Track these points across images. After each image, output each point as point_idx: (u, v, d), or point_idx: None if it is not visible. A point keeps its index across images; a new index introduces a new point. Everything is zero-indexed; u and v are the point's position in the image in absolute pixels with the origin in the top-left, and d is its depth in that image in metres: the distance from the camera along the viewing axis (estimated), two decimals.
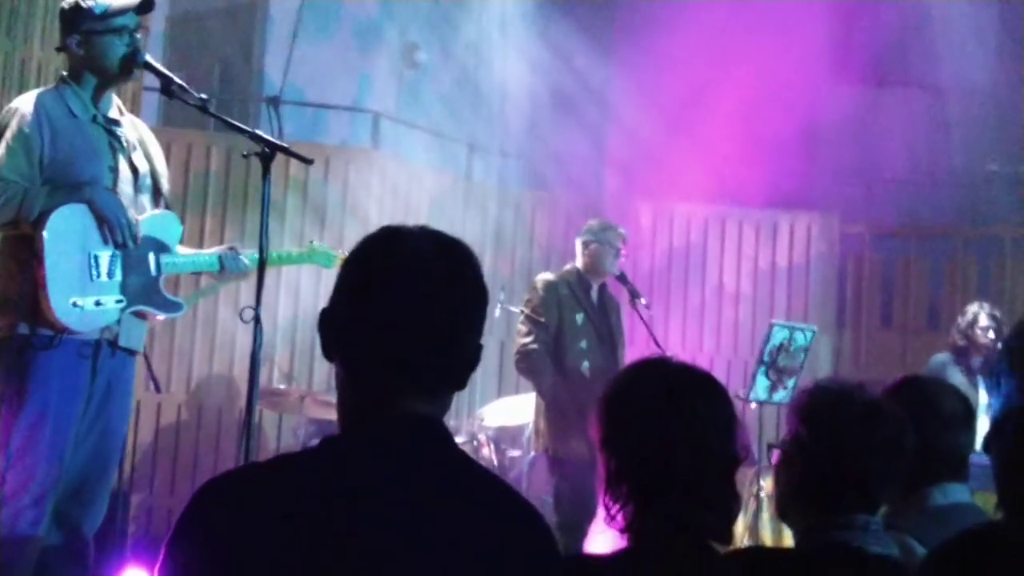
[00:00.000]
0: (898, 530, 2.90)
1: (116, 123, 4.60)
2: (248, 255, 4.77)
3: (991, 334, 7.81)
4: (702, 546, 2.43)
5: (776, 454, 2.84)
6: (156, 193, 4.71)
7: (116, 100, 4.66)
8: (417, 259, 2.02)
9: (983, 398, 7.71)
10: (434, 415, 2.04)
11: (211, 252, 4.88)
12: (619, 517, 2.44)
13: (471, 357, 2.08)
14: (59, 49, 4.64)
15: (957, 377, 7.72)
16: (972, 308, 8.02)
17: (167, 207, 4.77)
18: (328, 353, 2.07)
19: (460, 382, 2.09)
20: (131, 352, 4.58)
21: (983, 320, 7.86)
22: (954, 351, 7.94)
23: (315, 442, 2.09)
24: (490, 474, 2.11)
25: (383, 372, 2.01)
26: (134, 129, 4.70)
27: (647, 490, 2.41)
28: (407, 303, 1.99)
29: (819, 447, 2.70)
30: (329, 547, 1.85)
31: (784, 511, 2.86)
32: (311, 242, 5.38)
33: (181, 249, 4.76)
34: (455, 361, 2.06)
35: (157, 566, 1.91)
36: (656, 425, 2.41)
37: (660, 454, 2.40)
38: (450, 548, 1.91)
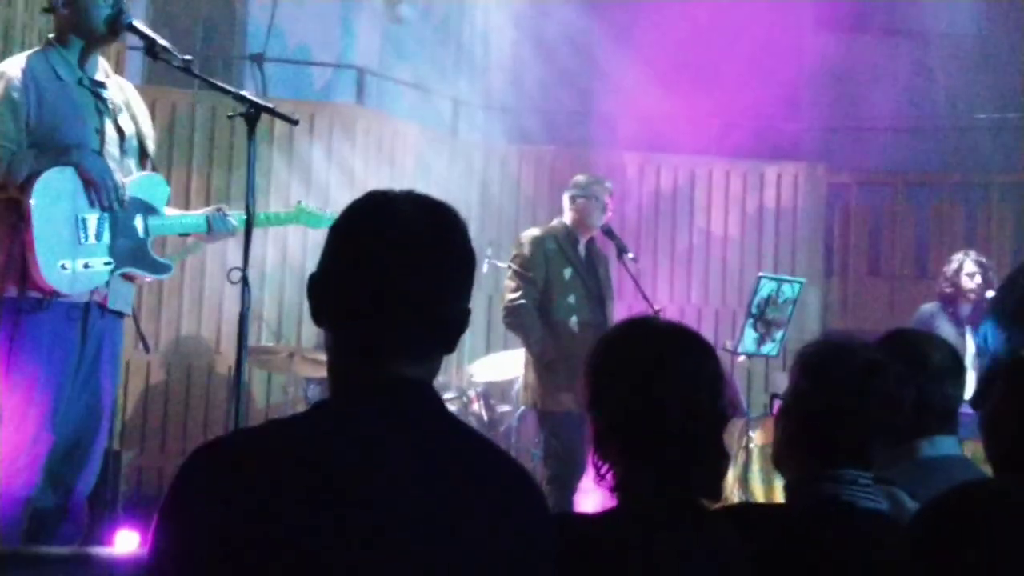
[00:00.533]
0: (887, 483, 2.92)
1: (102, 85, 4.59)
2: (235, 215, 4.77)
3: (977, 279, 7.83)
4: (691, 503, 2.44)
5: (777, 404, 2.86)
6: (142, 155, 4.71)
7: (103, 62, 4.65)
8: (404, 224, 2.03)
9: (971, 347, 7.74)
10: (423, 378, 2.05)
11: (199, 213, 4.88)
12: (608, 476, 2.46)
13: (459, 321, 2.09)
14: (45, 10, 4.62)
15: (945, 327, 7.76)
16: (958, 256, 8.04)
17: (153, 169, 4.77)
18: (317, 319, 2.08)
19: (449, 345, 2.10)
20: (120, 314, 4.59)
21: (968, 267, 7.87)
22: (941, 300, 7.97)
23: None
24: (479, 435, 2.13)
25: (372, 337, 2.02)
26: (120, 91, 4.69)
27: (636, 449, 2.42)
28: (394, 269, 2.00)
29: (818, 399, 2.73)
30: (321, 511, 1.86)
31: (779, 460, 2.88)
32: (299, 202, 5.37)
33: (168, 210, 4.76)
34: (443, 325, 2.06)
35: (150, 534, 1.92)
36: (644, 384, 2.42)
37: (648, 413, 2.40)
38: (442, 509, 1.92)
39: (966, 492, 2.42)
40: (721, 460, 2.47)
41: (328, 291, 2.06)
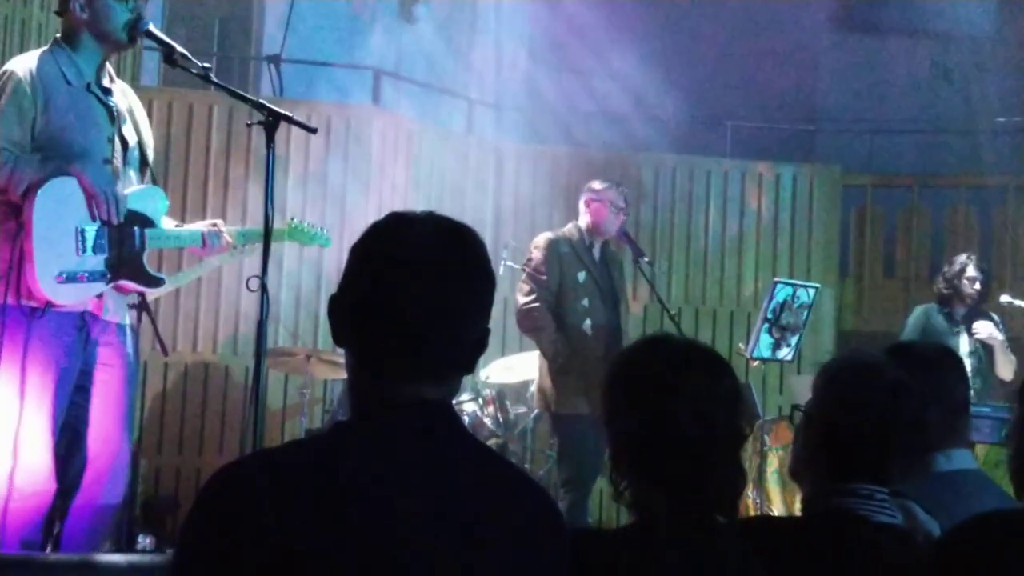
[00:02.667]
0: (901, 496, 2.92)
1: (109, 92, 4.57)
2: (231, 231, 4.79)
3: (977, 285, 7.86)
4: (708, 520, 2.46)
5: (799, 416, 2.87)
6: (143, 165, 4.70)
7: (108, 67, 4.62)
8: (424, 247, 2.05)
9: (965, 346, 7.77)
10: (443, 399, 2.08)
11: (194, 228, 4.85)
12: (626, 492, 2.48)
13: (478, 341, 2.11)
14: (59, 12, 4.58)
15: (940, 324, 7.80)
16: (960, 258, 8.06)
17: (153, 179, 4.75)
18: (338, 339, 2.10)
19: (468, 366, 2.13)
20: (117, 324, 4.56)
21: (971, 271, 7.89)
22: (938, 299, 7.99)
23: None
24: (499, 456, 2.17)
25: (392, 359, 2.04)
26: (123, 98, 4.66)
27: (652, 466, 2.44)
28: (414, 291, 2.02)
29: (843, 417, 2.73)
30: (342, 533, 1.88)
31: (796, 472, 2.89)
32: (291, 219, 5.33)
33: (166, 223, 4.74)
34: (463, 346, 2.09)
35: (174, 553, 1.94)
36: (662, 402, 2.43)
37: (666, 431, 2.42)
38: (463, 530, 1.95)
39: (988, 521, 2.41)
40: (738, 478, 2.48)
41: (349, 312, 2.07)
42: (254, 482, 1.95)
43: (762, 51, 10.08)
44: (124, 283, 4.52)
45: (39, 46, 7.89)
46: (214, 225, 4.82)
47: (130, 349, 4.61)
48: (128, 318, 4.62)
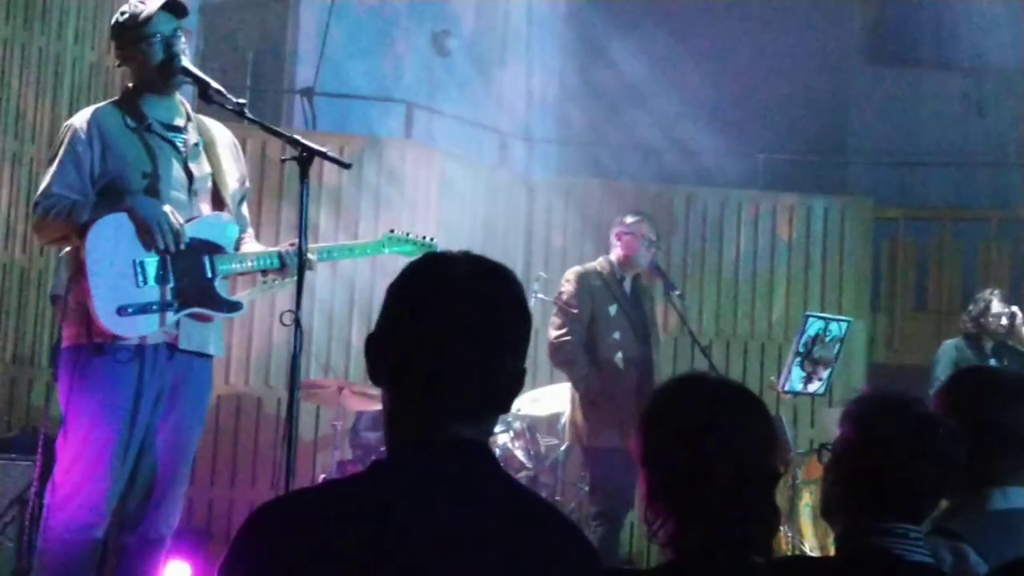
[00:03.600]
0: (951, 536, 2.86)
1: (176, 129, 4.64)
2: (311, 250, 4.78)
3: (1004, 320, 7.83)
4: (743, 559, 2.46)
5: (826, 455, 2.86)
6: (216, 197, 4.72)
7: (184, 106, 4.72)
8: (461, 287, 2.06)
9: None
10: (480, 439, 2.09)
11: (271, 250, 4.84)
12: (660, 531, 2.48)
13: (514, 381, 2.11)
14: (119, 65, 4.79)
15: (970, 357, 7.79)
16: (984, 295, 8.05)
17: (231, 211, 4.75)
18: (375, 378, 2.12)
19: (505, 405, 2.13)
20: (200, 355, 4.61)
21: (995, 307, 7.88)
22: (965, 336, 7.97)
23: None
24: (534, 496, 2.16)
25: (428, 398, 2.05)
26: (197, 133, 4.72)
27: (688, 505, 2.44)
28: (450, 331, 2.03)
29: (870, 454, 2.72)
30: (381, 573, 1.90)
31: (828, 512, 2.88)
32: (390, 231, 5.29)
33: (245, 247, 4.79)
34: (499, 386, 2.09)
35: None
36: (696, 441, 2.43)
37: (700, 470, 2.42)
38: (499, 573, 1.95)
39: None
40: (773, 517, 2.48)
41: (386, 351, 2.09)
42: (292, 521, 1.96)
43: (794, 83, 10.10)
44: (199, 310, 4.56)
45: (72, 79, 8.13)
46: (292, 244, 4.83)
47: (203, 385, 4.66)
48: (212, 347, 4.67)
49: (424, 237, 5.23)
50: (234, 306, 4.72)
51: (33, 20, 8.13)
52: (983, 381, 3.29)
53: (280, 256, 4.77)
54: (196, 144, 4.68)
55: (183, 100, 4.76)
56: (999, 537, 2.78)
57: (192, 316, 4.55)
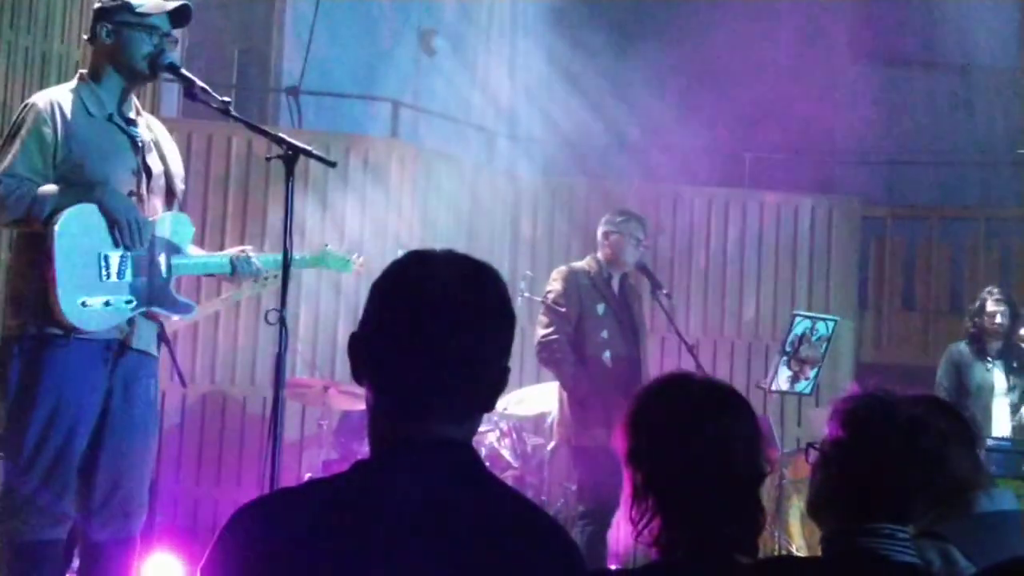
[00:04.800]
0: (939, 538, 2.86)
1: (133, 123, 4.59)
2: (260, 258, 4.78)
3: (999, 318, 7.84)
4: (727, 559, 2.45)
5: (814, 454, 2.85)
6: (169, 194, 4.70)
7: (135, 100, 4.65)
8: (444, 285, 2.05)
9: (1000, 382, 7.75)
10: (463, 438, 2.08)
11: (223, 254, 4.85)
12: (646, 531, 2.47)
13: (498, 380, 2.11)
14: (89, 39, 4.61)
15: (972, 360, 7.80)
16: (981, 295, 8.06)
17: (181, 209, 4.77)
18: (358, 376, 2.10)
19: (488, 404, 2.12)
20: (147, 354, 4.56)
21: (990, 306, 7.90)
22: (968, 337, 7.99)
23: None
24: (517, 495, 2.14)
25: (412, 397, 2.04)
26: (149, 130, 4.67)
27: (673, 505, 2.44)
28: (434, 330, 2.02)
29: (858, 454, 2.71)
30: (362, 573, 1.88)
31: (816, 512, 2.87)
32: (325, 246, 5.39)
33: (194, 251, 4.75)
34: (482, 385, 2.08)
35: None
36: (681, 441, 2.43)
37: (685, 470, 2.42)
38: (482, 571, 1.94)
39: (1018, 566, 2.38)
40: (757, 516, 2.47)
41: (369, 350, 2.07)
42: (273, 520, 1.96)
43: (781, 82, 10.08)
44: (154, 310, 4.52)
45: (59, 79, 8.09)
46: (243, 251, 4.82)
47: (154, 381, 4.61)
48: (156, 349, 4.63)
49: (354, 255, 5.44)
50: (186, 307, 4.68)
51: (19, 19, 8.09)
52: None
53: (231, 261, 4.76)
54: (150, 140, 4.64)
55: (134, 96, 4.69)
56: (986, 540, 2.79)
57: (146, 315, 4.51)
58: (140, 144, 4.56)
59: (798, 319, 7.16)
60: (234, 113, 4.47)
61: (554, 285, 6.93)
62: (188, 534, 7.90)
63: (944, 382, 7.92)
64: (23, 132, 4.36)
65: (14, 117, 4.51)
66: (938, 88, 11.10)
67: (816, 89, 10.28)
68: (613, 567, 6.77)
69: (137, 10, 4.48)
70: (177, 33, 4.74)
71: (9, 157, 4.34)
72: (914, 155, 10.98)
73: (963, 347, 8.00)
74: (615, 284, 6.99)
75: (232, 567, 1.94)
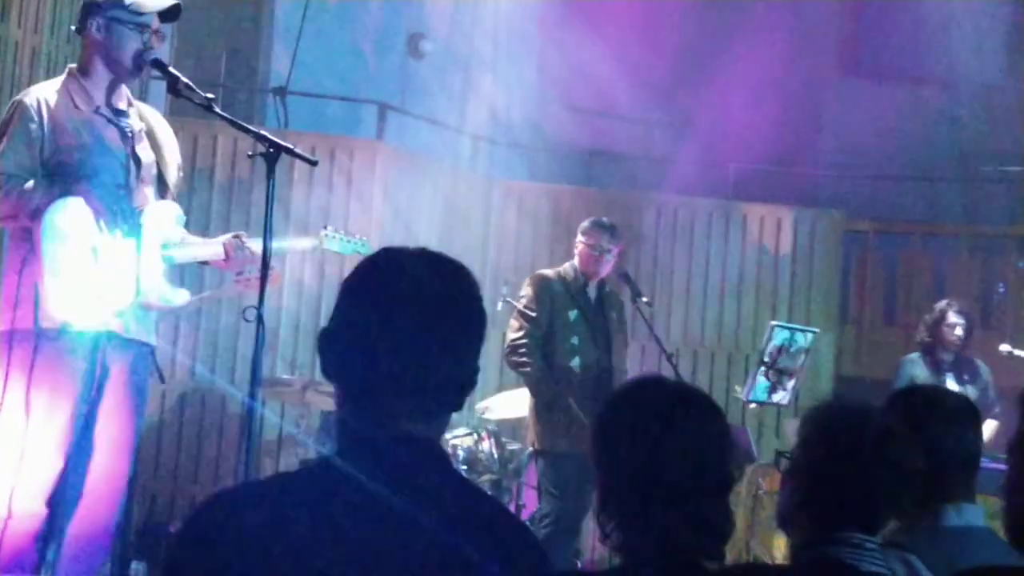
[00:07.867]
0: (903, 548, 2.86)
1: (123, 114, 4.62)
2: (255, 242, 4.78)
3: (958, 331, 7.81)
4: (695, 565, 2.45)
5: (784, 463, 2.86)
6: (161, 183, 4.72)
7: (126, 91, 4.69)
8: (416, 283, 2.05)
9: None
10: (430, 436, 2.08)
11: (215, 241, 4.87)
12: (613, 535, 2.47)
13: (468, 380, 2.10)
14: (78, 31, 4.65)
15: (924, 372, 7.75)
16: (940, 305, 8.03)
17: (173, 198, 4.79)
18: (327, 373, 2.11)
19: (457, 404, 2.12)
20: (141, 343, 4.59)
21: (951, 318, 7.86)
22: (922, 348, 7.95)
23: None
24: (483, 493, 2.17)
25: (380, 394, 2.04)
26: (140, 119, 4.71)
27: (639, 509, 2.43)
28: (404, 328, 2.02)
29: (827, 463, 2.72)
30: (327, 567, 1.89)
31: (784, 520, 2.88)
32: (324, 228, 5.36)
33: (186, 239, 4.77)
34: (452, 384, 2.08)
35: None
36: (650, 445, 2.42)
37: (654, 474, 2.41)
38: (442, 568, 1.94)
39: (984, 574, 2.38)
40: (726, 522, 2.47)
41: (339, 347, 2.08)
42: (235, 513, 1.96)
43: (766, 95, 10.10)
44: (146, 299, 4.53)
45: (49, 74, 8.06)
46: (237, 236, 4.82)
47: (144, 374, 4.62)
48: (154, 338, 4.62)
49: (359, 237, 5.37)
50: (179, 295, 4.72)
51: (8, 13, 8.07)
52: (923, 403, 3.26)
53: (224, 247, 4.77)
54: (140, 130, 4.67)
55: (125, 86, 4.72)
56: (952, 553, 2.78)
57: (138, 304, 4.52)
58: (130, 134, 4.60)
59: (777, 330, 7.17)
60: (217, 110, 4.48)
61: (526, 290, 6.97)
62: (165, 531, 7.88)
63: None
64: (10, 129, 4.43)
65: (1, 115, 4.54)
66: (923, 103, 11.13)
67: (801, 102, 10.30)
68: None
69: (130, 7, 4.52)
70: (166, 30, 4.77)
71: None
72: (898, 170, 11.01)
73: (915, 357, 7.98)
74: (592, 291, 6.97)
75: (196, 557, 1.94)
